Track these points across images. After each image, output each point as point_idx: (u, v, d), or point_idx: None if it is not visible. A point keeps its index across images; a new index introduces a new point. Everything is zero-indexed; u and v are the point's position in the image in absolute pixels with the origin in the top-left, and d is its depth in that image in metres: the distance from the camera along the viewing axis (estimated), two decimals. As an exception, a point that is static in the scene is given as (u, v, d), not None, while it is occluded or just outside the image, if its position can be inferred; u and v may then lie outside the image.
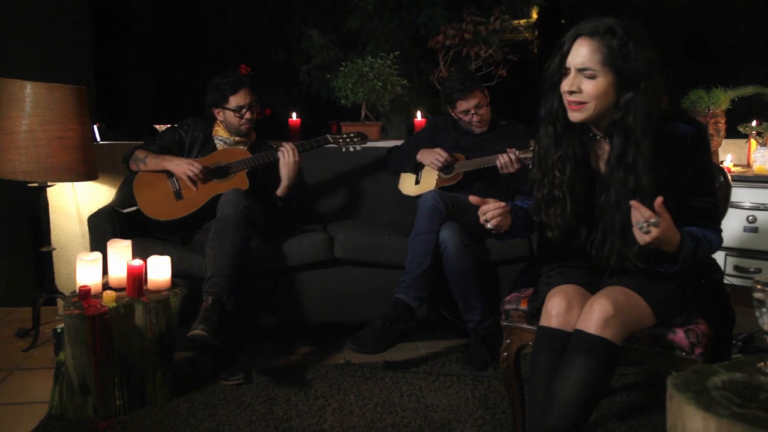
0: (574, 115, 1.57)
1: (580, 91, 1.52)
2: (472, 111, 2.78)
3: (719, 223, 1.64)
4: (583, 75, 1.52)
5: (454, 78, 2.85)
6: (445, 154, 2.78)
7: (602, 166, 1.66)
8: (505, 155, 2.60)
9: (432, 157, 2.80)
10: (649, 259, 1.55)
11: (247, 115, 2.73)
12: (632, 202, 1.45)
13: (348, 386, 2.31)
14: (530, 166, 2.54)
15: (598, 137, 1.65)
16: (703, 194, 1.59)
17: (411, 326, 2.44)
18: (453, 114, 2.89)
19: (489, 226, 1.67)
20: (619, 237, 1.56)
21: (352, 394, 2.25)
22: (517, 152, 2.59)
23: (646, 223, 1.41)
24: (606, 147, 1.63)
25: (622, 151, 1.53)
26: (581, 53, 1.51)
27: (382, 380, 2.36)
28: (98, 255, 2.26)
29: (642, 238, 1.43)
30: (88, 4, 3.72)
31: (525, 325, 1.79)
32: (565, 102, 1.57)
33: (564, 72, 1.55)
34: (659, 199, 1.41)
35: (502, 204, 1.67)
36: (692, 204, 1.58)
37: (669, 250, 1.48)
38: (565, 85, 1.54)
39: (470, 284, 2.47)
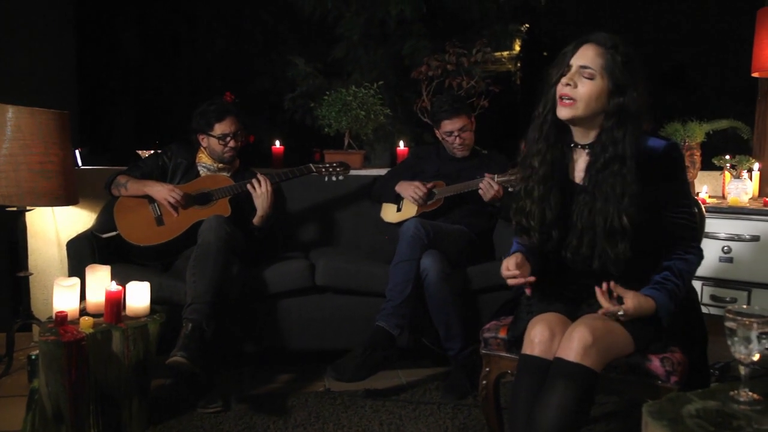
0: (562, 112, 1.64)
1: (575, 86, 1.60)
2: (456, 133, 2.83)
3: (699, 240, 1.69)
4: (583, 74, 1.61)
5: (443, 99, 2.91)
6: (423, 188, 2.81)
7: (578, 177, 1.71)
8: (484, 181, 2.65)
9: (410, 190, 2.83)
10: (627, 262, 1.60)
11: (232, 143, 2.75)
12: (597, 291, 1.56)
13: (327, 415, 2.29)
14: (509, 189, 2.61)
15: (579, 146, 1.71)
16: (680, 207, 1.64)
17: (391, 354, 2.43)
18: (437, 134, 2.94)
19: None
20: (602, 241, 1.60)
21: (332, 422, 2.23)
22: (496, 176, 2.63)
23: (614, 315, 1.54)
24: (585, 158, 1.69)
25: (611, 157, 1.60)
26: (586, 55, 1.62)
27: (361, 409, 2.34)
28: (76, 280, 2.23)
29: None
30: (74, 31, 3.75)
31: (504, 353, 1.80)
32: (557, 98, 1.64)
33: (564, 70, 1.63)
34: (607, 285, 1.56)
35: (531, 278, 1.69)
36: (670, 219, 1.63)
37: (650, 314, 1.57)
38: (564, 79, 1.62)
39: (451, 312, 2.48)
